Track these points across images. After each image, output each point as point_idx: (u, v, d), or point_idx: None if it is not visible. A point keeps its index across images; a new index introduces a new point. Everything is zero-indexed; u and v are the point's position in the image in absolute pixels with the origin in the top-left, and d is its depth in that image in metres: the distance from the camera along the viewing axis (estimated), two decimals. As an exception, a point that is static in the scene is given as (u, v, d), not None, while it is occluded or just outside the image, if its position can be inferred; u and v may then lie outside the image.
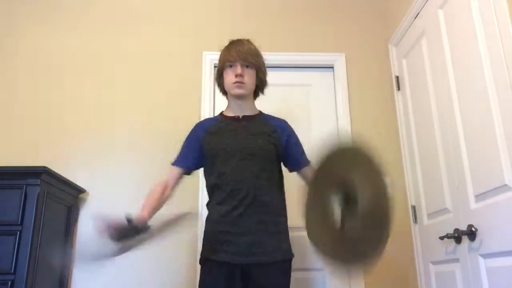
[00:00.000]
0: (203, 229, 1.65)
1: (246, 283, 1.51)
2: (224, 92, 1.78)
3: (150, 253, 2.33)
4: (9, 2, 2.77)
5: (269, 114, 1.81)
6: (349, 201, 1.31)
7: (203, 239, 1.62)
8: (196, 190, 2.39)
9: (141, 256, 2.33)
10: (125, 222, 1.37)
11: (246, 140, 1.63)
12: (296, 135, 1.76)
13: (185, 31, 2.76)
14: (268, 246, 1.53)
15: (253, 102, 1.77)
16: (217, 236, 1.56)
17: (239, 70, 1.64)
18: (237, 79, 1.65)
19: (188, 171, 1.74)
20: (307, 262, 2.36)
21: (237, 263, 1.50)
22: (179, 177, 1.73)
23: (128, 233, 1.37)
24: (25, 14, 2.75)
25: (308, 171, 1.70)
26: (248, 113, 1.73)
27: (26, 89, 2.60)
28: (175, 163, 1.74)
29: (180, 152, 1.74)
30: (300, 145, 1.76)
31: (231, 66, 1.68)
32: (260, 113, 1.77)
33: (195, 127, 1.76)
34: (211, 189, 1.65)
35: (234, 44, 1.70)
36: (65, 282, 2.21)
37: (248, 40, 1.73)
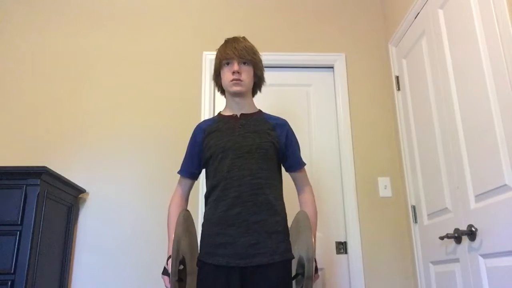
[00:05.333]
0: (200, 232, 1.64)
1: (246, 285, 1.47)
2: (223, 91, 1.78)
3: (148, 254, 2.33)
4: (10, 2, 2.77)
5: (269, 113, 1.80)
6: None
7: (200, 242, 1.59)
8: (196, 191, 2.39)
9: (139, 257, 2.33)
10: (181, 266, 1.47)
11: (244, 138, 1.61)
12: (295, 136, 1.75)
13: (185, 31, 2.76)
14: (266, 247, 1.49)
15: (252, 100, 1.76)
16: (213, 238, 1.53)
17: (236, 67, 1.63)
18: (235, 77, 1.64)
19: (195, 177, 1.76)
20: (307, 262, 2.36)
21: (234, 265, 1.47)
22: (191, 188, 1.76)
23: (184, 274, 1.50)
24: (26, 14, 2.75)
25: (298, 177, 1.74)
26: (246, 111, 1.71)
27: (26, 89, 2.60)
28: (182, 172, 1.74)
29: (184, 160, 1.75)
30: (298, 146, 1.74)
31: (228, 64, 1.67)
32: (260, 111, 1.75)
33: (194, 131, 1.75)
34: (209, 191, 1.63)
35: (230, 42, 1.69)
36: (65, 282, 2.21)
37: (244, 38, 1.72)
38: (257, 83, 1.76)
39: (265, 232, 1.51)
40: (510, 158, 1.52)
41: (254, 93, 1.79)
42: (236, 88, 1.65)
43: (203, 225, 1.62)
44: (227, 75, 1.66)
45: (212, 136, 1.66)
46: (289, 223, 1.68)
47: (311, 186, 1.75)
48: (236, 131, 1.63)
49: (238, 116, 1.69)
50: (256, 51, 1.71)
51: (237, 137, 1.62)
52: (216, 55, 1.72)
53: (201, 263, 1.54)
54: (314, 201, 1.71)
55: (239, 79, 1.64)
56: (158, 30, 2.76)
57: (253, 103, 1.76)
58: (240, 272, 1.47)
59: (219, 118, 1.72)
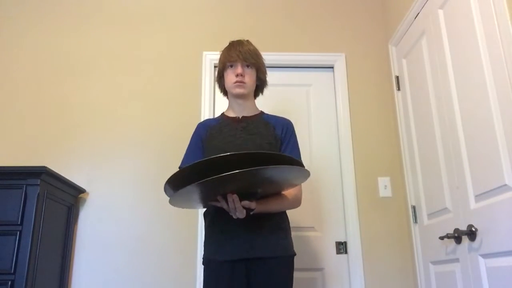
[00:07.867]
0: (203, 230, 1.64)
1: (250, 279, 1.51)
2: (225, 93, 1.81)
3: (149, 253, 2.33)
4: (10, 1, 2.77)
5: (273, 114, 1.81)
6: None
7: (205, 241, 1.63)
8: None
9: (140, 256, 2.33)
10: None
11: (244, 140, 1.64)
12: (295, 136, 1.73)
13: (185, 31, 2.76)
14: (269, 241, 1.53)
15: (254, 102, 1.79)
16: (216, 236, 1.57)
17: (239, 69, 1.67)
18: (238, 79, 1.68)
19: None
20: (307, 262, 2.36)
21: (238, 258, 1.50)
22: None
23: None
24: (26, 14, 2.75)
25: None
26: (248, 113, 1.75)
27: (26, 89, 2.60)
28: (184, 165, 1.74)
29: (186, 154, 1.75)
30: (297, 146, 1.71)
31: (231, 66, 1.71)
32: (261, 112, 1.79)
33: (197, 127, 1.79)
34: None
35: (234, 45, 1.73)
36: (65, 282, 2.21)
37: (247, 41, 1.77)
38: (260, 86, 1.80)
39: (267, 230, 1.55)
40: (510, 158, 1.52)
41: (256, 95, 1.82)
42: (239, 90, 1.69)
43: (205, 225, 1.65)
44: (230, 77, 1.70)
45: (214, 136, 1.69)
46: (291, 223, 1.68)
47: (300, 186, 1.68)
48: (237, 134, 1.66)
49: (240, 118, 1.73)
50: (260, 54, 1.75)
51: (237, 139, 1.65)
52: (220, 57, 1.76)
53: (206, 260, 1.58)
54: (299, 194, 1.65)
55: (242, 82, 1.68)
56: (158, 30, 2.76)
57: (255, 105, 1.80)
58: (244, 266, 1.51)
59: (222, 118, 1.76)
